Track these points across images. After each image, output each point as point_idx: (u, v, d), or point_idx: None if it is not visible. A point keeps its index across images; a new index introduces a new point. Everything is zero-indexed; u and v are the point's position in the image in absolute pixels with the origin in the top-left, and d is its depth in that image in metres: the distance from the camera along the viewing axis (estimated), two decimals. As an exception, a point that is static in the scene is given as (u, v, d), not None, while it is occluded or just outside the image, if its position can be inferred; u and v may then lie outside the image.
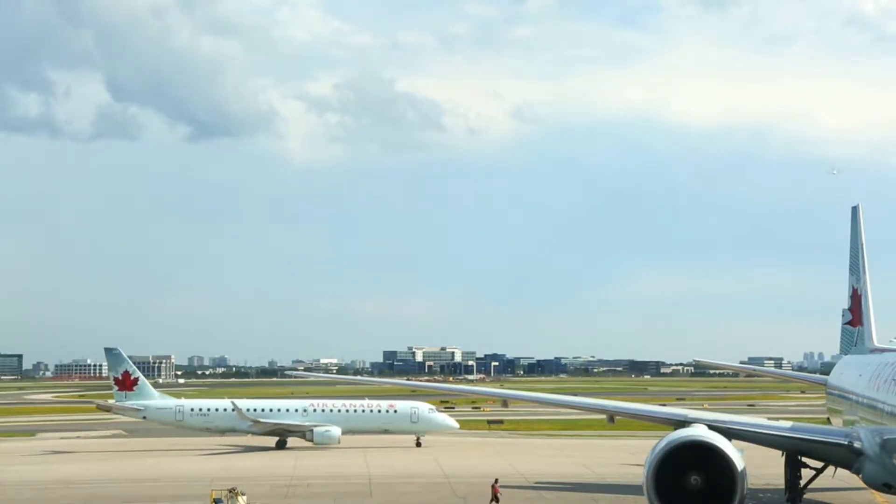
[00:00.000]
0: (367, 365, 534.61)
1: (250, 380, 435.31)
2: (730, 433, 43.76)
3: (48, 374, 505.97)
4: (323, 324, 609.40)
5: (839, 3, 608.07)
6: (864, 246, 55.30)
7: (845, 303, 57.21)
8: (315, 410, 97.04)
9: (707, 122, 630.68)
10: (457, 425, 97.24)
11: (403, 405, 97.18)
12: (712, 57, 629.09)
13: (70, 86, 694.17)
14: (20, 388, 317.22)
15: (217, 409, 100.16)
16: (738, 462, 38.72)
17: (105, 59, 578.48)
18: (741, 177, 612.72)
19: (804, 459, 48.57)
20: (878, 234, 62.92)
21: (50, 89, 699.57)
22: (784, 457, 49.50)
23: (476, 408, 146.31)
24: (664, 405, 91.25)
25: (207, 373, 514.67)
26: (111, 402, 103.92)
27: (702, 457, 38.80)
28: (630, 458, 77.46)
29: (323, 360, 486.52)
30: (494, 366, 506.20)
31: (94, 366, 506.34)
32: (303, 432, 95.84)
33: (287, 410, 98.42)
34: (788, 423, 48.97)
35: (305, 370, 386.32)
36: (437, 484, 67.51)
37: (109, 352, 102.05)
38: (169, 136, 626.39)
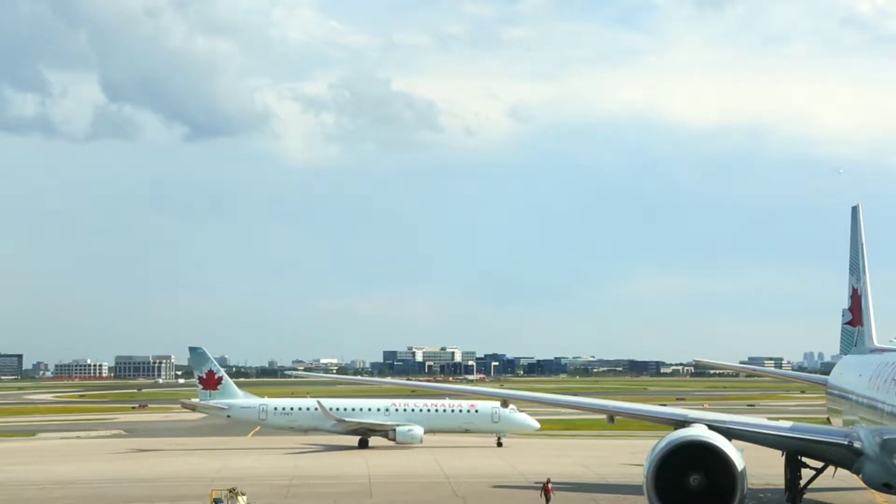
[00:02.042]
0: (367, 365, 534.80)
1: (250, 380, 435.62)
2: (730, 433, 43.76)
3: (48, 374, 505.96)
4: (323, 324, 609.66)
5: (836, 3, 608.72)
6: (864, 246, 55.29)
7: (845, 303, 57.22)
8: (397, 410, 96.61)
9: (705, 122, 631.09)
10: (537, 425, 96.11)
11: (484, 405, 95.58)
12: (709, 57, 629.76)
13: (67, 86, 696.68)
14: (20, 388, 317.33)
15: (300, 409, 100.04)
16: (738, 462, 38.72)
17: (101, 60, 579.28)
18: (740, 177, 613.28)
19: (804, 459, 48.58)
20: (878, 234, 62.90)
21: (46, 89, 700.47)
22: (784, 457, 49.51)
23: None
24: (664, 405, 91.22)
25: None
26: (195, 400, 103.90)
27: (702, 457, 38.80)
28: (630, 458, 77.48)
29: (323, 360, 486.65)
30: (494, 366, 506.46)
31: (94, 366, 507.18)
32: (385, 431, 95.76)
33: (369, 410, 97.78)
34: (788, 423, 48.95)
35: (305, 370, 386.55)
36: (437, 484, 67.54)
37: (194, 351, 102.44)
38: (166, 137, 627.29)
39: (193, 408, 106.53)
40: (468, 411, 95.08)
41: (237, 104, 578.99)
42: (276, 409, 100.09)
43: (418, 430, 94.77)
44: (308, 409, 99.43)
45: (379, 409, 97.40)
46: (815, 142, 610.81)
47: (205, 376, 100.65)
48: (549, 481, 58.35)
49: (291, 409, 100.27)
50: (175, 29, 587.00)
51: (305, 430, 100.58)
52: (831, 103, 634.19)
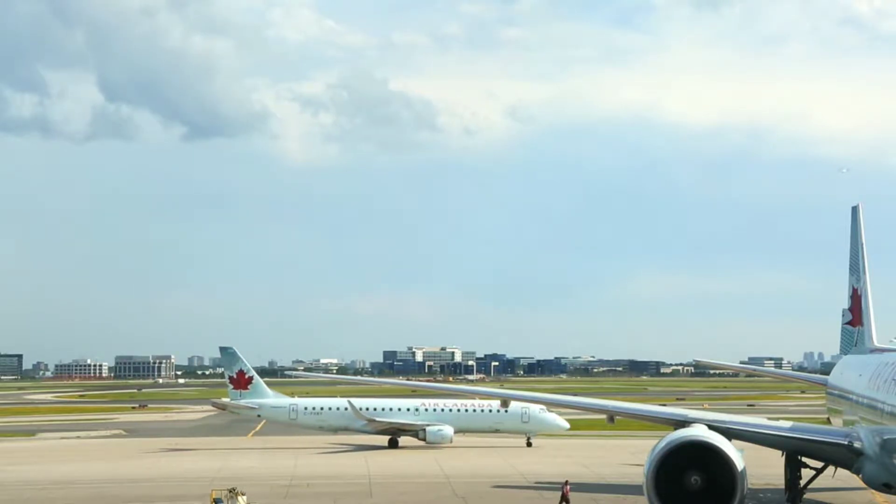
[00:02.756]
0: (367, 365, 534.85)
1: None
2: (730, 433, 43.76)
3: (48, 374, 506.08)
4: (323, 324, 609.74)
5: (834, 3, 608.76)
6: (864, 246, 55.26)
7: (845, 303, 57.18)
8: (427, 410, 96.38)
9: (704, 122, 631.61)
10: (567, 425, 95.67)
11: (514, 405, 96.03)
12: (708, 57, 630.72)
13: (65, 86, 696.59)
14: (20, 388, 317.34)
15: (330, 408, 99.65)
16: (738, 462, 38.71)
17: (99, 60, 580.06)
18: (740, 176, 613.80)
19: (804, 459, 48.57)
20: (878, 234, 62.87)
21: (45, 90, 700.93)
22: (784, 457, 49.50)
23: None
24: (664, 405, 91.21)
25: (207, 373, 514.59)
26: (226, 400, 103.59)
27: (702, 457, 38.79)
28: (630, 458, 77.48)
29: (323, 360, 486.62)
30: (494, 366, 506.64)
31: (94, 366, 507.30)
32: (416, 431, 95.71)
33: (399, 409, 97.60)
34: (788, 423, 48.95)
35: (305, 370, 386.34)
36: (437, 484, 67.51)
37: (224, 351, 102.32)
38: (165, 137, 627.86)
39: (224, 407, 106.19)
40: (498, 411, 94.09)
41: (235, 104, 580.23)
42: (306, 408, 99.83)
43: (448, 430, 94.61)
44: (338, 408, 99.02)
45: (409, 409, 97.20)
46: (815, 142, 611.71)
47: (235, 376, 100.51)
48: (567, 483, 58.11)
49: (322, 408, 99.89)
50: (173, 29, 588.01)
51: (335, 430, 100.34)
52: (830, 103, 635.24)
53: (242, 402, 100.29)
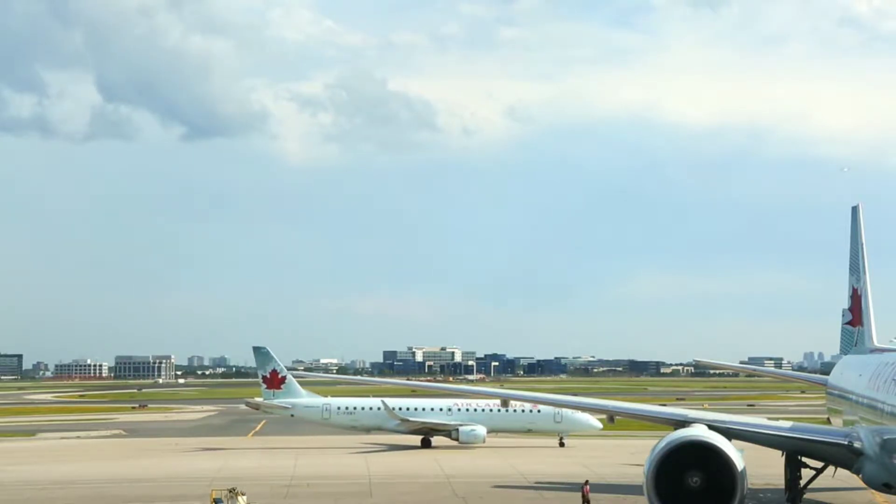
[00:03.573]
0: (367, 365, 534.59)
1: (250, 380, 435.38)
2: (730, 433, 43.77)
3: (48, 374, 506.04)
4: (323, 324, 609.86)
5: (833, 3, 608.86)
6: (864, 246, 55.26)
7: (845, 303, 57.17)
8: (459, 410, 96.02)
9: (703, 122, 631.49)
10: (599, 425, 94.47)
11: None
12: (708, 57, 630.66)
13: (64, 86, 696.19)
14: (20, 388, 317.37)
15: (363, 408, 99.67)
16: (738, 462, 38.72)
17: (98, 60, 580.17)
18: (740, 176, 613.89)
19: (804, 459, 48.56)
20: (878, 234, 62.88)
21: (44, 90, 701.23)
22: (784, 457, 49.50)
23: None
24: (664, 405, 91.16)
25: (207, 373, 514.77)
26: (259, 399, 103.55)
27: (702, 457, 38.80)
28: (630, 458, 77.48)
29: (323, 360, 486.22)
30: (494, 366, 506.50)
31: (94, 366, 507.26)
32: (448, 431, 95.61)
33: (432, 409, 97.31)
34: (788, 423, 48.96)
35: (305, 370, 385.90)
36: (437, 484, 67.52)
37: (258, 350, 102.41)
38: (164, 137, 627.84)
39: (257, 407, 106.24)
40: (530, 411, 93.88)
41: (234, 104, 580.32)
42: (339, 408, 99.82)
43: (481, 430, 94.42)
44: (371, 408, 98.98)
45: (441, 409, 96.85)
46: (815, 142, 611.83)
47: (268, 375, 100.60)
48: (587, 483, 57.94)
49: (355, 408, 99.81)
50: (172, 29, 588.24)
51: (368, 430, 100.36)
52: (830, 103, 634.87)
53: (276, 401, 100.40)
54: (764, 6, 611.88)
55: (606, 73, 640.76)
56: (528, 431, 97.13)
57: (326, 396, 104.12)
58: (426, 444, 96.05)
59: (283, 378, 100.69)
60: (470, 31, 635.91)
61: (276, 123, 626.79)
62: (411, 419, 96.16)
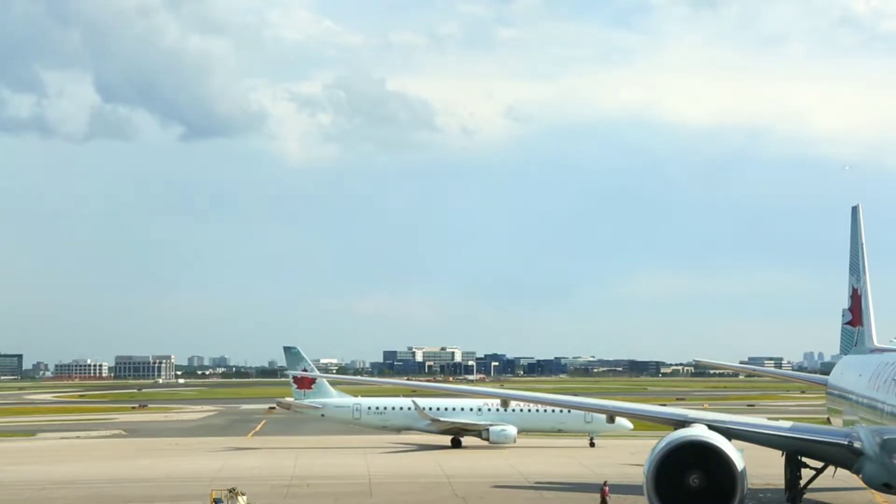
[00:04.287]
0: (367, 365, 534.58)
1: (250, 380, 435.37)
2: (730, 433, 43.75)
3: (48, 374, 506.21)
4: (323, 324, 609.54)
5: (832, 3, 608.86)
6: (864, 246, 55.24)
7: (845, 303, 57.15)
8: (489, 409, 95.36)
9: (703, 122, 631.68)
10: (630, 425, 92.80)
11: None
12: (707, 57, 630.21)
13: (63, 86, 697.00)
14: (20, 388, 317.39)
15: (394, 408, 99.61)
16: (738, 462, 38.71)
17: (97, 60, 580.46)
18: (739, 176, 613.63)
19: (804, 459, 48.54)
20: (878, 234, 62.94)
21: (43, 90, 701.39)
22: (784, 457, 49.49)
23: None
24: (664, 405, 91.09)
25: (207, 373, 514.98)
26: (290, 399, 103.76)
27: (702, 457, 38.79)
28: (630, 458, 77.47)
29: (323, 360, 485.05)
30: (494, 366, 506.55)
31: (94, 366, 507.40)
32: (479, 431, 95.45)
33: (462, 409, 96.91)
34: (788, 423, 48.94)
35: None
36: (437, 484, 67.51)
37: (288, 350, 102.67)
38: (163, 137, 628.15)
39: (288, 407, 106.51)
40: (561, 411, 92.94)
41: (233, 104, 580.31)
42: (369, 408, 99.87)
43: (512, 430, 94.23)
44: (402, 408, 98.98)
45: (472, 409, 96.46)
46: (814, 141, 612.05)
47: (299, 376, 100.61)
48: (606, 483, 57.83)
49: (385, 408, 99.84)
50: (170, 29, 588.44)
51: (398, 430, 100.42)
52: (829, 103, 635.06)
53: (306, 401, 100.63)
54: (763, 6, 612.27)
55: (606, 72, 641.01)
56: (559, 432, 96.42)
57: (357, 396, 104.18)
58: (456, 444, 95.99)
59: (314, 378, 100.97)
60: (469, 31, 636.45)
61: (275, 123, 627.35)
62: (442, 419, 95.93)
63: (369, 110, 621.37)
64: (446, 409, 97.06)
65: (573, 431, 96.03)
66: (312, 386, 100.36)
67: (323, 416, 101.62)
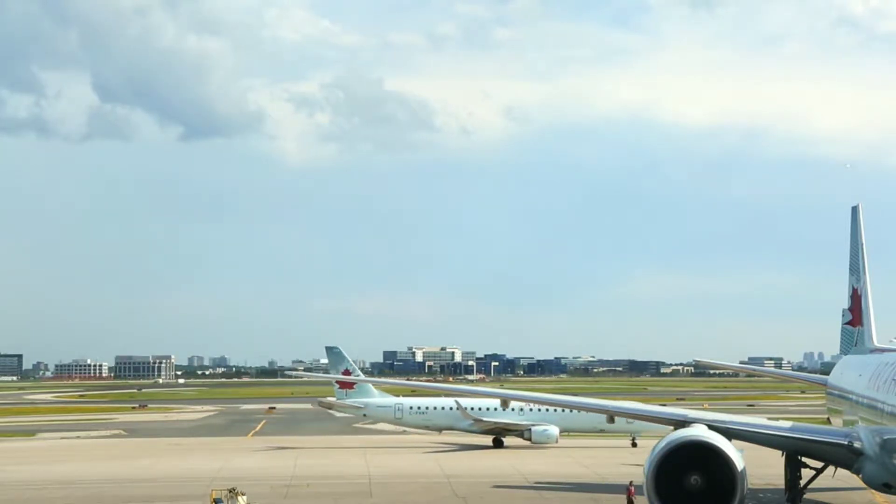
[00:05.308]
0: (367, 365, 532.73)
1: (250, 380, 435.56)
2: (730, 433, 43.77)
3: (48, 374, 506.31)
4: (323, 324, 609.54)
5: (830, 3, 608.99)
6: (864, 246, 55.24)
7: (845, 303, 57.16)
8: (532, 409, 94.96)
9: (701, 122, 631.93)
10: (670, 427, 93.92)
11: None
12: (705, 57, 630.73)
13: (62, 87, 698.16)
14: (20, 388, 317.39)
15: (436, 408, 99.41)
16: (738, 462, 38.72)
17: (96, 60, 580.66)
18: (739, 176, 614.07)
19: (804, 459, 48.53)
20: (878, 234, 62.86)
21: (41, 90, 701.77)
22: (784, 457, 49.49)
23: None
24: (664, 405, 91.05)
25: (207, 373, 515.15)
26: (332, 399, 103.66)
27: (702, 457, 38.82)
28: (630, 458, 77.47)
29: (323, 360, 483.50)
30: (494, 366, 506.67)
31: (94, 366, 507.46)
32: (521, 431, 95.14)
33: (504, 409, 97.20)
34: (788, 423, 48.95)
35: (305, 370, 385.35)
36: (437, 484, 67.48)
37: (330, 350, 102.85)
38: (162, 137, 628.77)
39: (330, 406, 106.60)
40: None
41: (232, 104, 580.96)
42: (411, 408, 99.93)
43: (554, 430, 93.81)
44: (444, 408, 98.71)
45: (514, 409, 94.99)
46: (813, 141, 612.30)
47: (341, 375, 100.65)
48: (632, 484, 57.66)
49: (427, 408, 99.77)
50: (168, 29, 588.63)
51: (440, 430, 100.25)
52: (828, 103, 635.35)
53: (349, 401, 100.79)
54: (761, 6, 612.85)
55: (604, 72, 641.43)
56: (601, 432, 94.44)
57: (398, 396, 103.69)
58: (498, 444, 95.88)
59: (356, 377, 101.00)
60: (466, 31, 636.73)
61: (274, 123, 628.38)
62: (484, 419, 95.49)
63: (368, 110, 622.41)
64: (488, 408, 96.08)
65: (615, 432, 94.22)
66: (354, 386, 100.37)
67: (365, 415, 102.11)
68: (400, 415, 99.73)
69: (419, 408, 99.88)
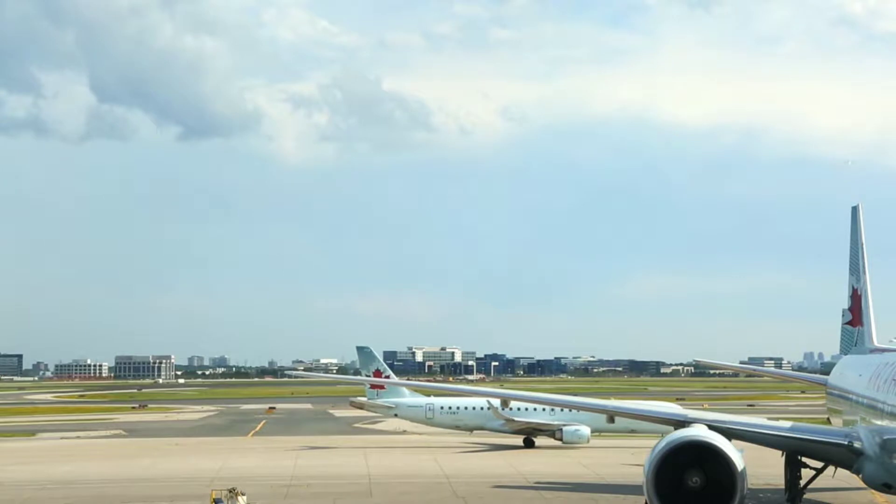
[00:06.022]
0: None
1: (250, 380, 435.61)
2: (730, 433, 43.73)
3: (48, 374, 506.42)
4: (323, 324, 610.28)
5: (828, 3, 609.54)
6: (864, 246, 55.24)
7: (845, 303, 57.15)
8: (562, 409, 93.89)
9: (700, 122, 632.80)
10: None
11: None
12: (704, 57, 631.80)
13: (59, 87, 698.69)
14: (20, 388, 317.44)
15: (467, 408, 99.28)
16: (738, 462, 38.70)
17: (94, 60, 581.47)
18: (738, 176, 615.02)
19: (804, 459, 48.50)
20: (878, 234, 62.83)
21: (39, 91, 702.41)
22: (784, 457, 49.47)
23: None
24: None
25: (207, 373, 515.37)
26: (363, 399, 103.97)
27: (702, 457, 38.79)
28: (630, 458, 77.45)
29: (323, 360, 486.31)
30: (494, 366, 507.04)
31: (94, 366, 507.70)
32: (552, 431, 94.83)
33: (535, 409, 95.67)
34: (788, 423, 48.90)
35: (305, 370, 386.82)
36: (437, 484, 67.44)
37: (361, 350, 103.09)
38: (160, 137, 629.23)
39: (361, 406, 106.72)
40: None
41: (229, 104, 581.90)
42: (442, 408, 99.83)
43: (585, 430, 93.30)
44: (475, 408, 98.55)
45: (545, 409, 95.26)
46: (812, 141, 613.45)
47: (372, 376, 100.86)
48: None
49: (458, 408, 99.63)
50: (165, 29, 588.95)
51: (471, 430, 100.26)
52: (827, 103, 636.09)
53: (380, 401, 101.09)
54: (759, 6, 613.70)
55: (602, 73, 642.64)
56: (632, 432, 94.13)
57: (429, 396, 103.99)
58: (529, 443, 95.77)
59: (387, 378, 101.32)
60: (464, 31, 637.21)
61: (272, 124, 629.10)
62: (515, 419, 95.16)
63: (366, 110, 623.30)
64: (519, 408, 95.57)
65: (646, 432, 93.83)
66: (385, 386, 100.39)
67: (396, 415, 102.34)
68: (431, 415, 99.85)
69: (450, 408, 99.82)
